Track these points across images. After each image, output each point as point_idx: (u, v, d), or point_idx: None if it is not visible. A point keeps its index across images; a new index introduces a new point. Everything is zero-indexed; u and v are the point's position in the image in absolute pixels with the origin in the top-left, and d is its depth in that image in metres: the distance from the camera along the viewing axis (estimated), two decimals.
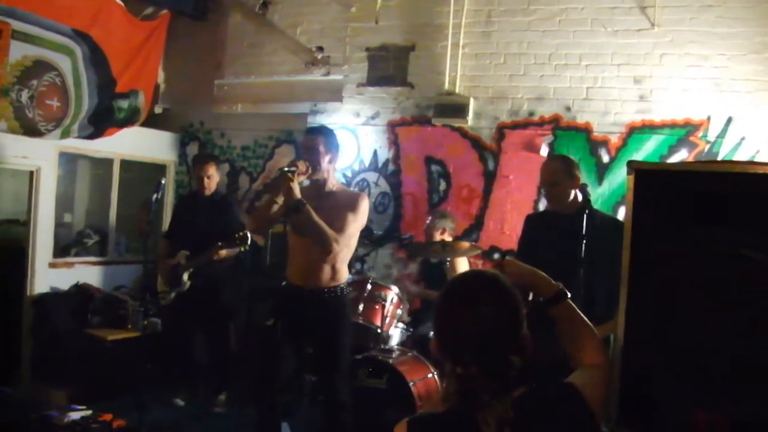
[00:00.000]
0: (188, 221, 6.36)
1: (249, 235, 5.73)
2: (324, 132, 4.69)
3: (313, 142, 4.55)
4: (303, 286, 4.56)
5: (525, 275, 2.15)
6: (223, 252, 5.91)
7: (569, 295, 2.12)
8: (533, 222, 4.83)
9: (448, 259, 5.83)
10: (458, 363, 1.79)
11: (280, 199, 4.36)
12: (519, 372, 1.79)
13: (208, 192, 6.38)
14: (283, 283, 4.72)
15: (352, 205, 4.52)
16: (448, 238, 6.12)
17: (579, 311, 2.11)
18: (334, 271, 4.57)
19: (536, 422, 1.73)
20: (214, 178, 6.41)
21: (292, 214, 4.29)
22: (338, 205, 4.50)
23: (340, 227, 4.42)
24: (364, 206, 4.60)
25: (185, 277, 6.08)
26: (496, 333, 1.80)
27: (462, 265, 6.06)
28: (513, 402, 1.73)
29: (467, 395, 1.75)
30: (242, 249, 5.81)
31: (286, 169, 4.30)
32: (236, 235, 5.71)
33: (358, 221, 4.55)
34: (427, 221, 6.31)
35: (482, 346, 1.79)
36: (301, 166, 4.38)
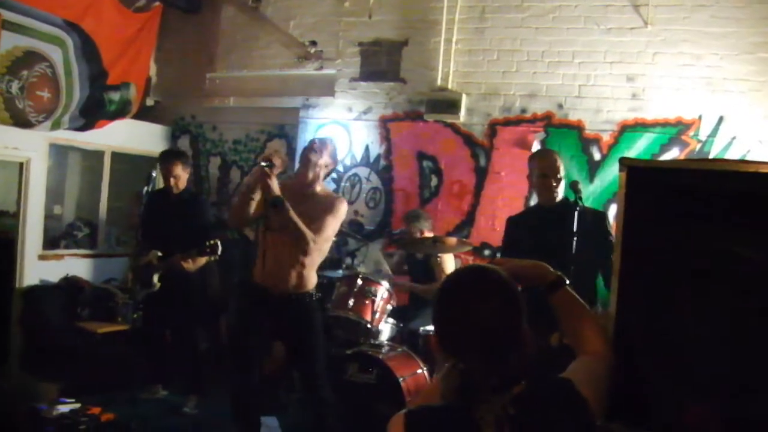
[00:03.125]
0: (158, 219, 6.14)
1: (219, 244, 5.64)
2: (328, 144, 4.70)
3: (318, 152, 4.56)
4: (269, 290, 4.52)
5: (522, 267, 2.13)
6: (190, 265, 5.83)
7: (568, 282, 2.10)
8: (517, 222, 4.81)
9: (439, 255, 5.83)
10: (459, 358, 1.78)
11: (257, 195, 4.35)
12: (519, 368, 1.77)
13: (176, 191, 6.20)
14: (244, 280, 4.70)
15: (330, 208, 4.51)
16: (428, 234, 6.12)
17: (579, 298, 2.10)
18: (301, 277, 4.53)
19: (534, 420, 1.72)
20: (181, 177, 6.18)
21: (270, 210, 4.27)
22: (317, 207, 4.48)
23: (317, 228, 4.40)
24: (343, 210, 4.59)
25: (155, 278, 5.99)
26: (498, 329, 1.78)
27: (450, 261, 6.07)
28: (512, 399, 1.72)
29: (467, 391, 1.73)
30: (211, 258, 5.73)
31: (264, 164, 4.27)
32: (207, 244, 5.60)
33: (335, 224, 4.55)
34: (405, 227, 6.33)
35: (484, 341, 1.77)
36: (276, 160, 4.35)
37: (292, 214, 4.25)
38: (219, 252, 5.63)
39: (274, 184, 4.24)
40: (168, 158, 6.24)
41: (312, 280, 4.62)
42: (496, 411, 1.69)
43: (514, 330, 1.81)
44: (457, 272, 2.00)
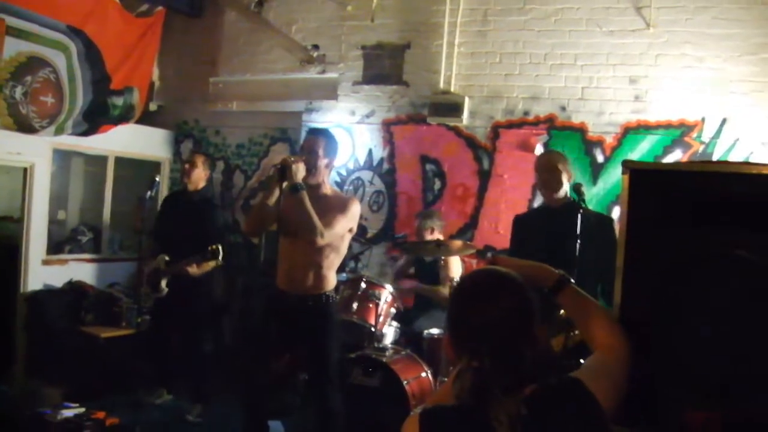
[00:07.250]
0: (170, 222, 6.26)
1: (221, 249, 5.66)
2: (325, 135, 4.67)
3: (313, 144, 4.53)
4: (288, 292, 4.53)
5: (522, 268, 2.13)
6: (194, 269, 5.84)
7: (572, 280, 2.10)
8: (523, 222, 4.83)
9: (443, 258, 5.84)
10: (472, 358, 1.79)
11: (272, 200, 4.34)
12: (531, 369, 1.78)
13: (191, 186, 6.22)
14: (267, 285, 4.71)
15: (342, 207, 4.49)
16: (438, 235, 6.12)
17: (586, 294, 2.10)
18: (319, 278, 4.51)
19: (545, 420, 1.73)
20: (198, 172, 6.22)
21: (288, 194, 4.22)
22: (329, 208, 4.45)
23: (327, 224, 4.34)
24: (355, 209, 4.57)
25: (163, 283, 6.01)
26: (511, 329, 1.80)
27: (455, 263, 6.08)
28: (524, 399, 1.73)
29: (480, 391, 1.74)
30: (215, 263, 5.77)
31: (292, 158, 4.29)
32: (209, 249, 5.65)
33: (347, 222, 4.51)
34: (416, 224, 6.33)
35: (496, 342, 1.78)
36: (300, 169, 4.33)
37: (307, 201, 4.23)
38: (221, 257, 5.65)
39: (301, 171, 4.26)
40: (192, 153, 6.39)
41: (330, 281, 4.60)
42: (509, 411, 1.70)
43: (527, 330, 1.83)
44: (471, 274, 2.03)
